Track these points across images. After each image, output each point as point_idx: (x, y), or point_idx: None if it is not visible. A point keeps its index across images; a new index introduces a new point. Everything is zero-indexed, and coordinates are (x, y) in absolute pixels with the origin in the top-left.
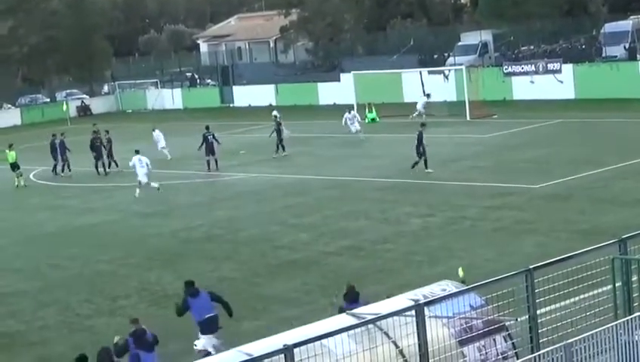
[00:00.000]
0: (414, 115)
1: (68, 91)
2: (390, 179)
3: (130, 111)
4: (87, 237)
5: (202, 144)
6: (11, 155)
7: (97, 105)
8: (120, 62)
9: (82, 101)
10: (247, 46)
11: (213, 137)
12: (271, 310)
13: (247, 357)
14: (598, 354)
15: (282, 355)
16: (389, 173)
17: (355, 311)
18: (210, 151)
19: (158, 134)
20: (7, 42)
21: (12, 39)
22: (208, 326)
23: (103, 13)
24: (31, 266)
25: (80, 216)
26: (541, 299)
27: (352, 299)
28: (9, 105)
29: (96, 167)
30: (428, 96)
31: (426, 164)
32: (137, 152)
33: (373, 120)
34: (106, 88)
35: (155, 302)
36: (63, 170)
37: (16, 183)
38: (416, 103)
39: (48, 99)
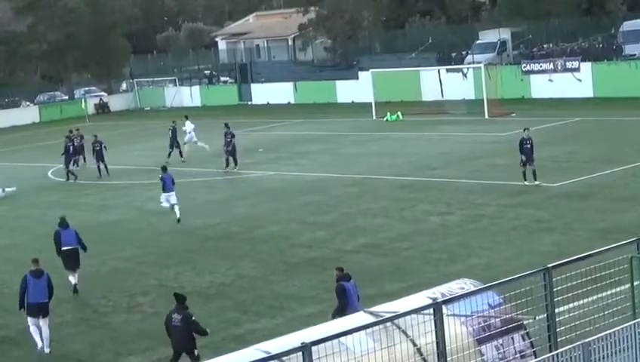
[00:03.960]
0: None
1: (86, 88)
2: (408, 177)
3: (148, 108)
4: (104, 234)
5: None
6: None
7: (115, 102)
8: (138, 60)
9: (100, 98)
10: (265, 44)
11: (232, 136)
12: (289, 308)
13: (265, 355)
14: (615, 353)
15: (300, 353)
16: (408, 171)
17: (373, 309)
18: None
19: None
20: (27, 39)
21: (31, 36)
22: None
23: (122, 11)
24: (50, 263)
25: (97, 214)
26: (559, 298)
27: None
28: (27, 103)
29: (98, 168)
30: None
31: (534, 174)
32: None
33: (396, 119)
34: (124, 85)
35: (172, 299)
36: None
37: None
38: (434, 101)
39: (67, 97)
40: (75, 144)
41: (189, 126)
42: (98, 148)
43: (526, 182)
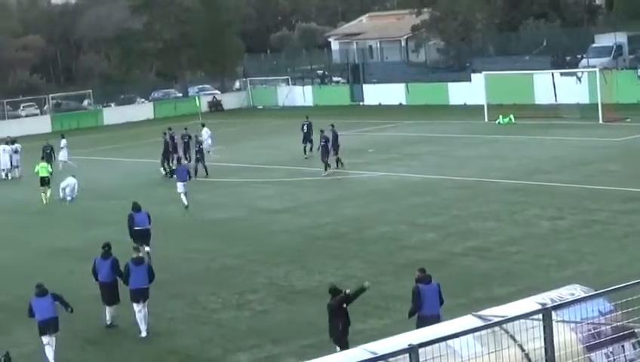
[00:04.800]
0: None
1: (200, 86)
2: (520, 181)
3: (260, 107)
4: (215, 231)
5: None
6: (44, 168)
7: (229, 100)
8: (252, 59)
9: (214, 96)
10: (378, 45)
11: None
12: (396, 309)
13: (372, 356)
14: None
15: (407, 355)
16: (520, 175)
17: (481, 312)
18: (333, 150)
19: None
20: (143, 37)
21: (147, 34)
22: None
23: (237, 10)
24: (161, 258)
25: (208, 211)
26: None
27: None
28: (142, 100)
29: (204, 167)
30: None
31: None
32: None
33: (508, 122)
34: (237, 84)
35: (282, 298)
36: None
37: (44, 200)
38: (547, 105)
39: (181, 94)
40: (176, 141)
41: (205, 134)
42: (197, 148)
43: None
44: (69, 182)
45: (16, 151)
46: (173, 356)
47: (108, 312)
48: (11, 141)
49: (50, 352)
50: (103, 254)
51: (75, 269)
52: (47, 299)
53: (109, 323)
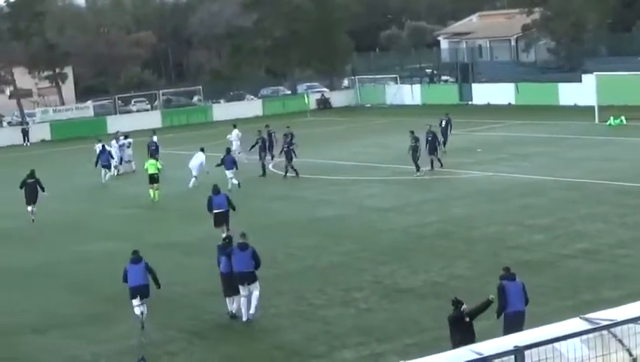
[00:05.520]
0: None
1: (308, 84)
2: (631, 183)
3: (369, 105)
4: (322, 228)
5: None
6: (152, 165)
7: (337, 98)
8: (360, 57)
9: (322, 94)
10: (487, 44)
11: (434, 136)
12: None
13: (478, 356)
14: None
15: (513, 356)
16: (631, 177)
17: (588, 316)
18: (431, 150)
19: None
20: (253, 34)
21: (257, 31)
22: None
23: (346, 8)
24: (267, 253)
25: (316, 208)
26: None
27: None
28: (252, 96)
29: (286, 168)
30: None
31: None
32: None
33: (620, 123)
34: (346, 82)
35: (386, 296)
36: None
37: (152, 196)
38: None
39: (289, 92)
40: (273, 139)
41: (234, 135)
42: (286, 148)
43: None
44: (198, 160)
45: (128, 146)
46: (280, 351)
47: (228, 303)
48: (124, 136)
49: (138, 311)
50: (223, 246)
51: (184, 263)
52: (140, 266)
53: (232, 312)
